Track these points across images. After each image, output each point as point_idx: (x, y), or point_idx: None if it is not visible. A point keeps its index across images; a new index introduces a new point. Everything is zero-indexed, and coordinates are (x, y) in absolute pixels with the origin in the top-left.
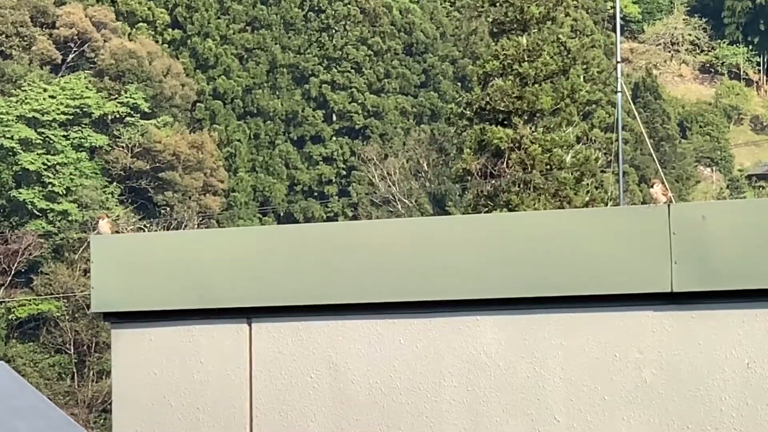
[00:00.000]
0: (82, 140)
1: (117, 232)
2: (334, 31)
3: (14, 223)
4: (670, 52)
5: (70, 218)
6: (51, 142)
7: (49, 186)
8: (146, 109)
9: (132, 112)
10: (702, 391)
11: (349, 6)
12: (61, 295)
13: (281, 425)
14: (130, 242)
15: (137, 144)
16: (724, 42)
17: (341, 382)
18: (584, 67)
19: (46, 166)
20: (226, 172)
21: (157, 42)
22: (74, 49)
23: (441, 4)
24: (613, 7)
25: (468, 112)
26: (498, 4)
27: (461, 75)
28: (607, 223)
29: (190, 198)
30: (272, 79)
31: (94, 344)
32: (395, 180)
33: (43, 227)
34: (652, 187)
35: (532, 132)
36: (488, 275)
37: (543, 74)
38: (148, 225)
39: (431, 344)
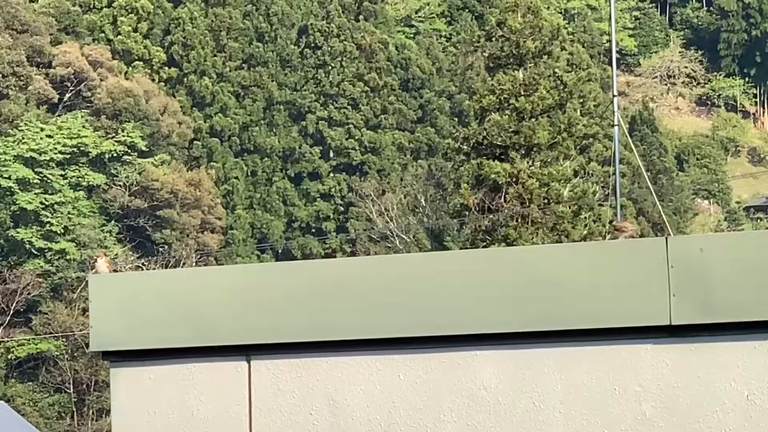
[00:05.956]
0: (80, 179)
1: (115, 270)
2: (330, 67)
3: (12, 263)
4: (666, 84)
5: (68, 257)
6: (48, 181)
7: (47, 225)
8: (143, 148)
9: (129, 151)
10: (702, 423)
11: (345, 42)
12: (60, 334)
13: None
14: (128, 281)
15: (135, 182)
16: (721, 74)
17: (341, 418)
18: (581, 100)
19: (43, 206)
20: (224, 210)
21: (153, 80)
22: (71, 88)
23: (437, 39)
24: (609, 41)
25: (465, 147)
26: (494, 39)
27: (458, 110)
28: (605, 257)
29: (188, 236)
30: (269, 116)
31: (93, 383)
32: (393, 216)
33: (42, 266)
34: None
35: (530, 166)
36: (487, 310)
37: (540, 108)
38: (146, 263)
39: (430, 380)
